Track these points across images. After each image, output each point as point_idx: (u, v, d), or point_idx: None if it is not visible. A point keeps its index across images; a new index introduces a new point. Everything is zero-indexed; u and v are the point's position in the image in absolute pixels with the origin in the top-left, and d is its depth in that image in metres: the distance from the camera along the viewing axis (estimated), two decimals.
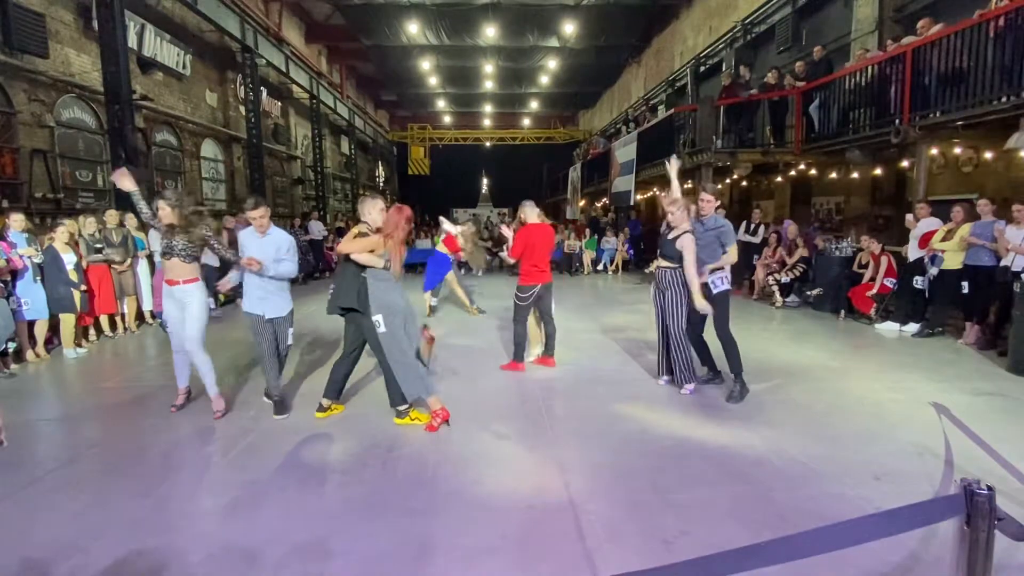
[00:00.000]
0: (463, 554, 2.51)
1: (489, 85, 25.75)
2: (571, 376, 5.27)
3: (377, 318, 3.87)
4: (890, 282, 7.36)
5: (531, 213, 5.43)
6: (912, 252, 7.05)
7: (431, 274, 8.32)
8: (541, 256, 5.35)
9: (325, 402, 4.27)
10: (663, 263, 4.65)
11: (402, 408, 4.13)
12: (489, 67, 22.62)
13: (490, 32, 18.37)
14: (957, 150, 8.10)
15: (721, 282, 4.59)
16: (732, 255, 4.66)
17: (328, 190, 20.92)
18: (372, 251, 3.85)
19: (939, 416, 4.08)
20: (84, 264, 6.57)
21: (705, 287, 4.52)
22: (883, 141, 7.88)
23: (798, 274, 8.81)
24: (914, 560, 2.41)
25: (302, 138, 19.96)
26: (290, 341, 4.42)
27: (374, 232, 3.93)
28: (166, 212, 4.13)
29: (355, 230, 4.06)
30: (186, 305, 4.17)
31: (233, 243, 4.83)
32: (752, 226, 10.12)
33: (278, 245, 4.26)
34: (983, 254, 6.11)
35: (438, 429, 3.91)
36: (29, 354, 6.00)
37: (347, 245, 3.97)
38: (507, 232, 5.72)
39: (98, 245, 6.87)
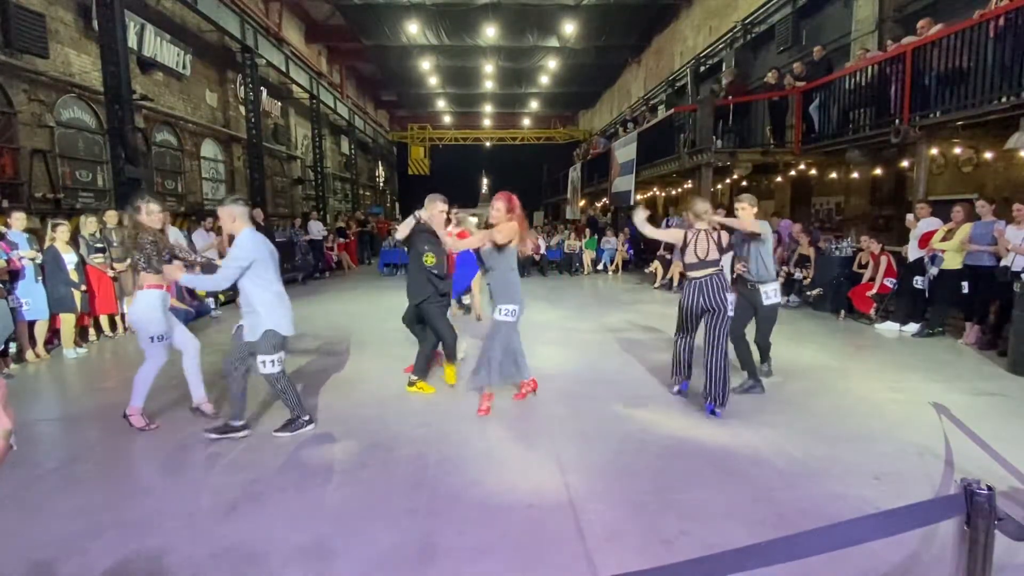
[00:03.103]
0: (463, 554, 2.51)
1: (489, 85, 25.76)
2: (571, 376, 5.27)
3: (513, 308, 4.11)
4: (890, 282, 7.37)
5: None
6: (912, 252, 7.05)
7: (460, 277, 6.80)
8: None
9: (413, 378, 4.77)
10: (699, 273, 4.26)
11: (414, 378, 4.72)
12: (489, 67, 22.63)
13: (490, 32, 18.38)
14: (957, 150, 8.10)
15: (774, 294, 4.68)
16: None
17: (328, 190, 20.93)
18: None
19: (939, 416, 4.08)
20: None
21: (756, 294, 4.68)
22: (883, 141, 7.87)
23: (806, 273, 8.79)
24: (914, 560, 2.41)
25: (302, 138, 19.97)
26: (265, 370, 3.71)
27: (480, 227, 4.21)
28: (161, 215, 4.05)
29: (469, 227, 4.16)
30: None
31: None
32: None
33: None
34: (983, 254, 6.11)
35: (488, 412, 4.21)
36: (29, 354, 6.00)
37: (502, 233, 4.06)
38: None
39: (98, 245, 6.87)
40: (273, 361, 3.68)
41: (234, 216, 3.68)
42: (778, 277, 4.69)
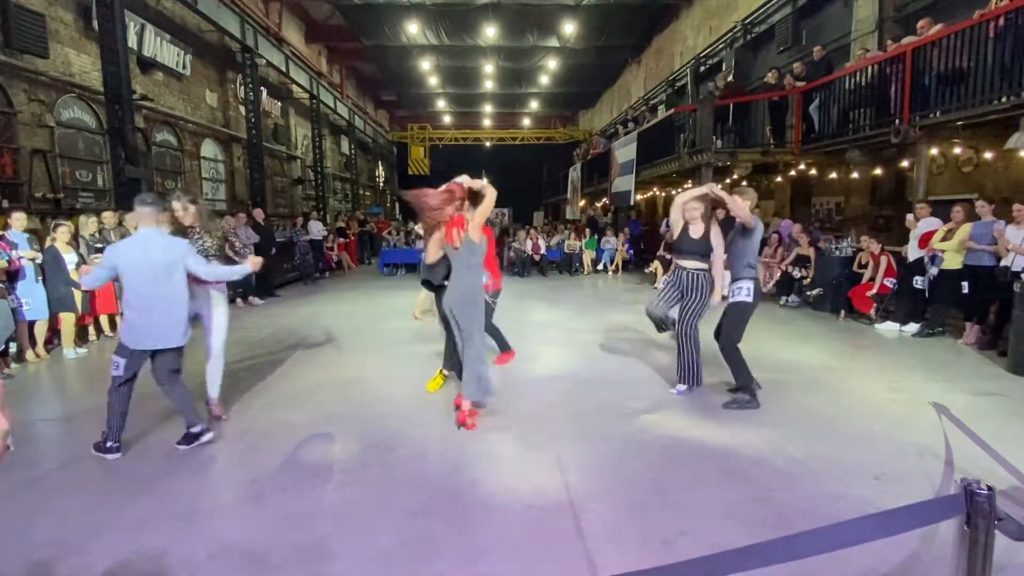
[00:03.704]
0: (463, 554, 2.51)
1: (489, 85, 25.77)
2: (571, 376, 5.27)
3: None
4: (890, 282, 7.37)
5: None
6: (912, 252, 7.05)
7: None
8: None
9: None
10: (687, 264, 4.48)
11: (446, 372, 4.84)
12: (489, 67, 22.64)
13: (490, 32, 18.39)
14: (957, 150, 8.10)
15: (739, 292, 4.39)
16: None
17: (328, 190, 20.93)
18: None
19: (939, 416, 4.08)
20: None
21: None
22: (883, 141, 7.87)
23: (806, 273, 8.78)
24: (914, 560, 2.41)
25: (302, 138, 19.97)
26: (111, 369, 3.57)
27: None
28: (189, 212, 4.01)
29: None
30: (213, 307, 4.10)
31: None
32: None
33: None
34: (983, 254, 6.11)
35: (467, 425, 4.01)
36: (29, 354, 5.99)
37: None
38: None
39: (98, 245, 6.87)
40: (116, 364, 3.55)
41: (138, 217, 3.62)
42: (757, 277, 4.52)
